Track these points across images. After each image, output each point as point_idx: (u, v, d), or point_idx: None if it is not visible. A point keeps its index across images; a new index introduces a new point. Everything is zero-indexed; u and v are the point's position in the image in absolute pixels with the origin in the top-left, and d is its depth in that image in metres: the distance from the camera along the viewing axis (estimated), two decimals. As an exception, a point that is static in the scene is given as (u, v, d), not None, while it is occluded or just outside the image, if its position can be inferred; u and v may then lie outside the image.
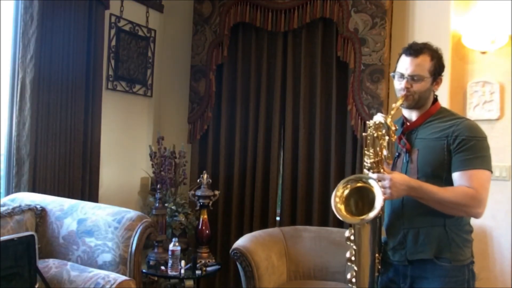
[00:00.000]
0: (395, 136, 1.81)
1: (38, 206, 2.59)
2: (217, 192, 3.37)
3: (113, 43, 3.58)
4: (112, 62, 3.58)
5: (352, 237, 1.83)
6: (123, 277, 2.22)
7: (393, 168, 1.91)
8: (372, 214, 1.70)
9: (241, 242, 2.94)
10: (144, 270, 3.03)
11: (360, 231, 1.82)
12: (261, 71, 3.73)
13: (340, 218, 1.77)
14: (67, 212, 2.58)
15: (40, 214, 2.58)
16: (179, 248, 2.98)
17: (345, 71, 3.49)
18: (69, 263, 2.39)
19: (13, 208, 2.48)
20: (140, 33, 3.83)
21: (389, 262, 1.94)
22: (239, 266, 2.91)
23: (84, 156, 3.15)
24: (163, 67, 4.13)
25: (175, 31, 4.11)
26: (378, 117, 1.81)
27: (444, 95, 3.00)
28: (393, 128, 1.78)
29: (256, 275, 2.83)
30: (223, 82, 3.83)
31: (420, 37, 3.00)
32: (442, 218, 1.83)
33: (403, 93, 1.88)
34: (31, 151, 2.78)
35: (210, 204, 3.31)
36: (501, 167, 3.07)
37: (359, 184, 1.79)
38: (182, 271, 2.98)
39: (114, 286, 2.14)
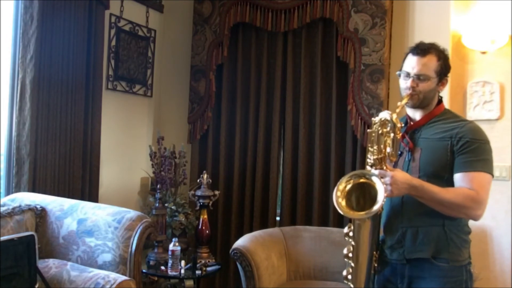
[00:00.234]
0: (400, 134, 1.81)
1: (38, 206, 2.59)
2: (217, 192, 3.37)
3: (113, 43, 3.58)
4: (112, 62, 3.58)
5: (351, 233, 1.83)
6: (123, 277, 2.22)
7: (395, 166, 1.90)
8: (375, 207, 1.69)
9: (241, 242, 2.94)
10: (144, 270, 3.03)
11: (360, 227, 1.81)
12: (261, 71, 3.73)
13: (341, 213, 1.75)
14: (67, 212, 2.58)
15: (40, 214, 2.58)
16: (179, 248, 2.98)
17: (345, 71, 3.49)
18: (69, 263, 2.39)
19: (13, 208, 2.48)
20: (140, 33, 3.83)
21: (386, 260, 1.94)
22: (239, 266, 2.91)
23: (84, 156, 3.15)
24: (163, 67, 4.13)
25: (175, 31, 4.11)
26: (384, 114, 1.81)
27: (444, 95, 2.97)
28: (399, 125, 1.79)
29: (256, 275, 2.82)
30: (223, 82, 3.83)
31: (420, 37, 3.00)
32: (441, 218, 1.83)
33: (408, 92, 1.88)
34: (31, 151, 2.78)
35: (210, 204, 3.31)
36: (501, 167, 3.07)
37: (361, 180, 1.78)
38: (182, 271, 2.98)
39: (114, 286, 2.14)
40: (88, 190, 3.18)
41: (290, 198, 3.61)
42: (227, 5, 3.74)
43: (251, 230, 3.48)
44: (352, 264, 1.84)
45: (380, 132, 1.80)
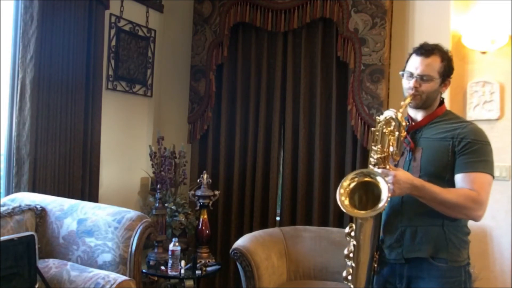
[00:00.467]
0: (405, 132, 1.81)
1: (38, 206, 2.59)
2: (217, 192, 3.37)
3: (113, 43, 3.58)
4: (112, 62, 3.58)
5: (352, 233, 1.83)
6: (123, 277, 2.22)
7: (395, 166, 1.90)
8: (380, 206, 1.68)
9: (241, 242, 2.94)
10: (144, 270, 3.03)
11: (362, 226, 1.80)
12: (261, 71, 3.73)
13: (345, 211, 1.75)
14: (67, 212, 2.58)
15: (40, 214, 2.58)
16: (179, 248, 2.98)
17: (345, 71, 3.49)
18: (69, 263, 2.39)
19: (13, 208, 2.48)
20: (140, 33, 3.83)
21: (385, 260, 1.94)
22: (239, 266, 2.91)
23: (84, 156, 3.15)
24: (163, 67, 4.13)
25: (175, 31, 4.11)
26: (389, 112, 1.81)
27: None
28: (404, 124, 1.79)
29: (256, 275, 2.83)
30: (223, 82, 3.83)
31: (420, 37, 3.02)
32: (441, 218, 1.83)
33: (411, 92, 1.88)
34: (31, 151, 2.78)
35: (210, 204, 3.31)
36: (501, 167, 3.07)
37: (366, 179, 1.77)
38: (182, 271, 2.98)
39: (114, 286, 2.14)
40: (88, 190, 3.18)
41: (290, 198, 3.61)
42: (227, 5, 3.74)
43: (251, 230, 3.48)
44: (353, 265, 1.84)
45: (384, 131, 1.80)
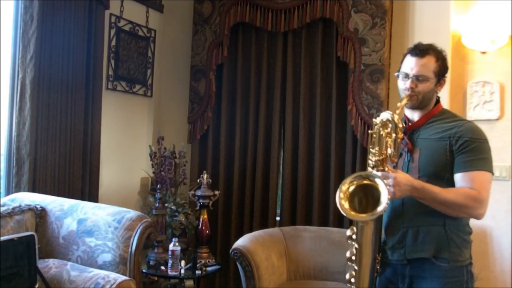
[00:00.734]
0: (402, 134, 1.81)
1: (38, 206, 2.59)
2: (217, 192, 3.37)
3: (113, 43, 3.58)
4: (112, 62, 3.58)
5: (354, 236, 1.82)
6: (123, 277, 2.22)
7: (394, 167, 1.90)
8: (380, 209, 1.68)
9: (241, 242, 2.94)
10: (144, 270, 3.03)
11: (363, 229, 1.80)
12: (261, 71, 3.73)
13: (345, 215, 1.75)
14: (67, 212, 2.58)
15: (40, 214, 2.58)
16: (179, 248, 2.98)
17: (345, 71, 3.49)
18: (69, 263, 2.39)
19: (13, 208, 2.48)
20: (140, 33, 3.83)
21: (387, 262, 1.94)
22: (239, 266, 2.91)
23: (84, 156, 3.15)
24: (163, 67, 4.13)
25: (175, 31, 4.11)
26: (386, 114, 1.81)
27: (444, 95, 3.00)
28: (400, 125, 1.78)
29: (256, 275, 2.82)
30: (223, 82, 3.83)
31: (420, 37, 3.02)
32: (442, 218, 1.82)
33: (407, 93, 1.88)
34: (31, 151, 2.78)
35: (210, 204, 3.31)
36: (501, 167, 3.07)
37: (365, 182, 1.77)
38: (182, 271, 2.98)
39: (114, 286, 2.14)
40: (88, 190, 3.18)
41: (290, 198, 3.61)
42: (227, 5, 3.74)
43: (251, 230, 3.48)
44: (356, 267, 1.83)
45: (381, 133, 1.80)
